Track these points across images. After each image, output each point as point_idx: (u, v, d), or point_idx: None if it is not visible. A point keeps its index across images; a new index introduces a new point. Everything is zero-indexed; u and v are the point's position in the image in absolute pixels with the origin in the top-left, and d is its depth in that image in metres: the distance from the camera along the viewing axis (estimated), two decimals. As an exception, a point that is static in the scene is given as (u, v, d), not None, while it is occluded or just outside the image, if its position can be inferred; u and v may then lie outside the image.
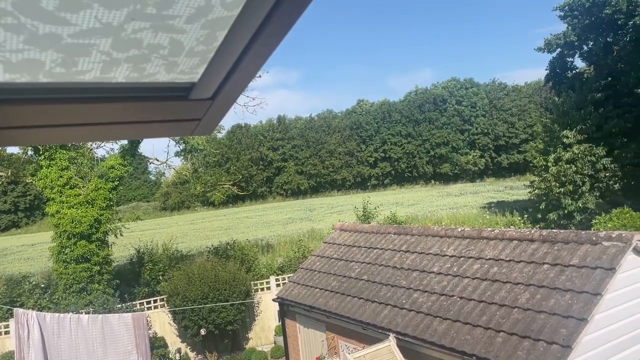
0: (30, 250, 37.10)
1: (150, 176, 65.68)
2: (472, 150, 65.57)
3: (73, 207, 15.38)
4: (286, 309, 11.09)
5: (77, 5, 0.55)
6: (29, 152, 17.27)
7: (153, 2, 0.58)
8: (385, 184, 66.62)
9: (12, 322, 13.98)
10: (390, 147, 65.96)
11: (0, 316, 15.33)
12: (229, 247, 18.86)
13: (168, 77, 0.76)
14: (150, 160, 20.02)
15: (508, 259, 7.83)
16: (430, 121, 65.60)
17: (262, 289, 16.34)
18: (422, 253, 9.26)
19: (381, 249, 10.15)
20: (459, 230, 9.19)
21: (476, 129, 65.08)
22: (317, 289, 10.20)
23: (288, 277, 15.07)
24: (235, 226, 39.38)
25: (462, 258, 8.50)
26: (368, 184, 66.72)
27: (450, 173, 65.11)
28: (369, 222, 19.49)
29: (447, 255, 8.77)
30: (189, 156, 20.82)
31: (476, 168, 65.17)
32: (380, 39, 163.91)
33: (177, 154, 20.62)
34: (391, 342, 7.65)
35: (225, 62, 0.74)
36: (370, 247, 10.44)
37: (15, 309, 10.14)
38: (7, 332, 14.38)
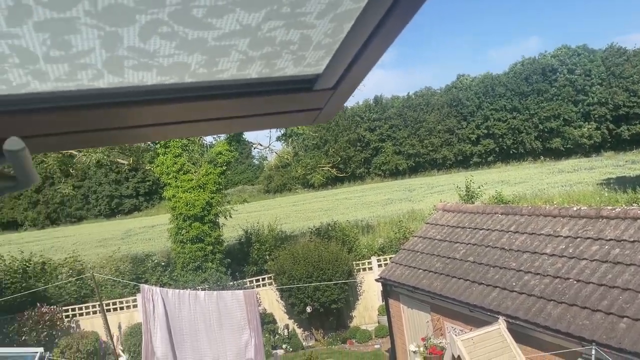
0: (151, 231, 40.49)
1: (254, 160, 68.59)
2: (587, 123, 60.43)
3: (187, 192, 16.54)
4: (389, 289, 11.13)
5: (222, 10, 0.59)
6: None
7: (288, 2, 0.61)
8: (489, 161, 63.74)
9: (139, 297, 15.49)
10: (493, 123, 62.84)
11: (128, 291, 17.03)
12: (330, 228, 19.23)
13: (295, 71, 0.79)
14: (254, 145, 20.88)
15: (632, 239, 7.18)
16: (538, 93, 61.34)
17: (364, 269, 16.52)
18: (533, 234, 8.79)
19: (488, 229, 9.79)
20: (575, 209, 8.58)
21: (592, 99, 59.79)
22: (421, 270, 10.10)
23: (389, 258, 15.08)
24: (334, 207, 40.02)
25: (578, 239, 7.94)
26: (470, 162, 64.26)
27: (562, 148, 60.65)
28: (473, 202, 18.83)
29: (562, 236, 8.24)
30: (290, 140, 21.40)
31: (591, 142, 60.06)
32: (480, 9, 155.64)
33: (278, 139, 21.31)
34: (501, 325, 7.39)
35: (349, 53, 0.75)
36: (476, 228, 10.10)
37: (141, 284, 11.17)
38: (135, 306, 15.96)
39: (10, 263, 17.29)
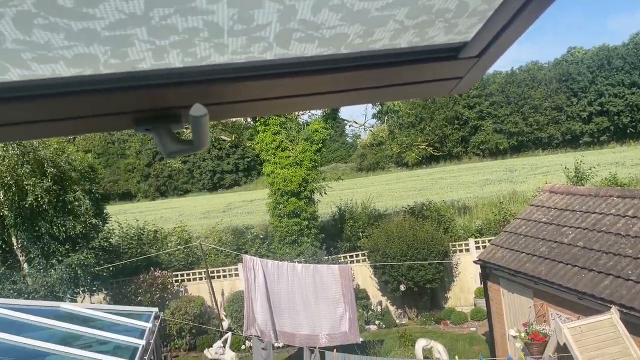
0: (250, 205, 42.35)
1: (347, 138, 68.88)
2: None
3: (284, 168, 17.05)
4: (488, 271, 10.78)
5: None
6: (248, 119, 19.48)
7: None
8: (602, 141, 58.72)
9: (240, 266, 16.38)
10: (608, 99, 57.58)
11: (230, 261, 18.05)
12: (424, 207, 18.92)
13: (445, 39, 0.79)
14: (350, 123, 20.94)
15: None
16: (662, 66, 55.19)
17: (460, 251, 16.12)
18: (654, 220, 8.04)
19: (601, 213, 9.09)
20: None
21: None
22: (524, 254, 9.65)
23: (488, 240, 14.57)
24: (429, 187, 39.21)
25: None
26: (580, 141, 59.62)
27: (692, 126, 54.27)
28: (582, 184, 17.54)
29: (689, 223, 7.46)
30: (385, 117, 21.18)
31: None
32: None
33: (374, 116, 21.17)
34: (613, 315, 6.90)
35: (500, 21, 0.74)
36: (587, 212, 9.43)
37: (243, 255, 11.81)
38: (236, 275, 16.90)
39: (127, 230, 19.00)
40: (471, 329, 14.53)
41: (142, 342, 7.60)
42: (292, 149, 17.53)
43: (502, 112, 61.68)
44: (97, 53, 0.63)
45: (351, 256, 16.61)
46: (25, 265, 14.22)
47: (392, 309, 16.02)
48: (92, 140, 56.69)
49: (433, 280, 14.69)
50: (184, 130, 0.83)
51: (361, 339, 10.69)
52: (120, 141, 62.32)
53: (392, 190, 40.36)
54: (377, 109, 20.47)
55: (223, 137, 20.25)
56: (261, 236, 19.36)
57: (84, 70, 0.67)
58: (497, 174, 42.18)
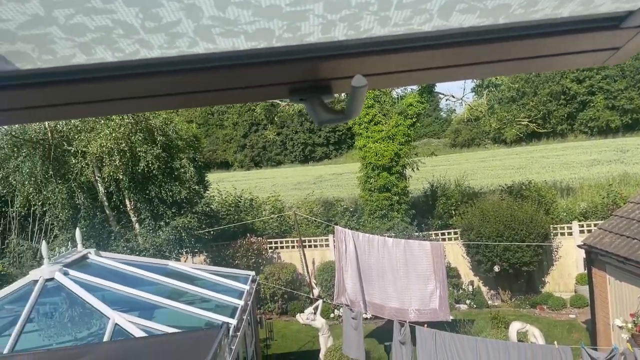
0: (339, 178, 42.76)
1: (442, 113, 66.81)
2: None
3: (377, 142, 16.97)
4: (594, 257, 10.11)
5: None
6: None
7: None
8: None
9: (330, 237, 16.72)
10: None
11: (320, 231, 18.48)
12: (523, 187, 18.03)
13: (612, 7, 0.75)
14: (447, 97, 20.29)
15: None
16: None
17: (562, 234, 15.23)
18: None
19: None
20: None
21: None
22: (636, 240, 8.93)
23: (594, 224, 13.63)
24: (529, 166, 37.16)
25: None
26: None
27: None
28: None
29: None
30: (485, 92, 20.26)
31: None
32: None
33: (473, 90, 20.32)
34: None
35: None
36: None
37: (335, 226, 12.03)
38: (327, 245, 17.29)
39: (225, 197, 20.05)
40: (570, 316, 13.79)
41: (241, 302, 8.07)
42: (385, 123, 17.37)
43: (616, 87, 56.39)
44: (275, 28, 0.69)
45: (442, 234, 16.32)
46: (137, 226, 15.54)
47: (484, 289, 15.60)
48: (194, 111, 59.90)
49: (530, 263, 14.06)
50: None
51: (451, 317, 10.56)
52: (219, 112, 65.23)
53: (488, 168, 38.76)
54: (477, 83, 19.61)
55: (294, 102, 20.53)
56: (351, 209, 19.56)
57: (259, 44, 0.72)
58: (607, 154, 38.96)
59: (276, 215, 18.97)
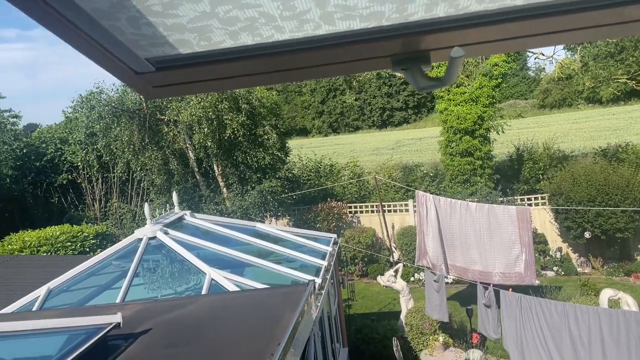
0: (419, 143, 42.03)
1: (530, 72, 63.02)
2: None
3: (459, 105, 16.50)
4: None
5: None
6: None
7: None
8: None
9: (411, 202, 16.70)
10: None
11: (399, 197, 18.47)
12: (620, 149, 16.86)
13: None
14: (535, 55, 19.17)
15: None
16: None
17: (663, 199, 14.17)
18: None
19: None
20: None
21: None
22: None
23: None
24: (627, 127, 34.42)
25: None
26: None
27: None
28: None
29: None
30: (579, 48, 18.90)
31: None
32: None
33: (565, 47, 19.01)
34: None
35: None
36: None
37: (416, 191, 12.01)
38: (406, 210, 17.31)
39: (306, 163, 20.52)
40: (669, 286, 12.98)
41: (325, 262, 8.40)
42: (468, 85, 16.80)
43: None
44: (385, 10, 0.81)
45: (529, 199, 15.76)
46: (225, 190, 16.40)
47: (573, 256, 14.99)
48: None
49: (625, 230, 13.28)
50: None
51: (537, 282, 10.33)
52: (318, 79, 65.73)
53: (581, 130, 36.40)
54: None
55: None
56: (431, 174, 19.32)
57: (370, 24, 0.85)
58: None
59: (355, 180, 19.19)
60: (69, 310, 6.30)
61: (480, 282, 9.23)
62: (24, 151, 20.48)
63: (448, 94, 16.61)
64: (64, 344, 4.17)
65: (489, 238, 10.29)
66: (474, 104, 16.35)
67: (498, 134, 17.47)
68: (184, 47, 0.85)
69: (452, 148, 16.71)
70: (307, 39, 0.86)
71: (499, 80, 16.48)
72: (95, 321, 4.44)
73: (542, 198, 15.38)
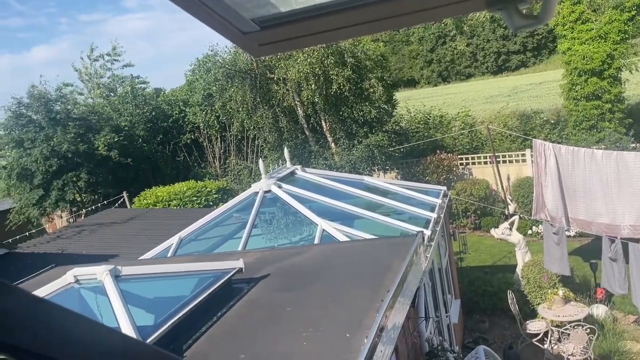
0: (538, 88, 39.03)
1: (673, -1, 54.85)
2: None
3: (584, 43, 15.00)
4: None
5: None
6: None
7: None
8: None
9: (528, 152, 15.76)
10: None
11: (516, 146, 17.49)
12: None
13: None
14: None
15: None
16: None
17: None
18: None
19: None
20: None
21: None
22: None
23: None
24: None
25: None
26: None
27: None
28: None
29: None
30: None
31: None
32: None
33: None
34: None
35: None
36: None
37: (534, 139, 11.29)
38: (523, 160, 16.38)
39: (414, 115, 20.10)
40: None
41: (434, 215, 8.35)
42: (596, 20, 15.13)
43: None
44: None
45: (668, 144, 14.12)
46: (333, 145, 16.71)
47: None
48: (379, 29, 59.35)
49: None
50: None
51: (675, 236, 9.37)
52: (409, 27, 63.65)
53: None
54: None
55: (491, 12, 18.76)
56: (552, 121, 17.98)
57: None
58: None
59: (467, 131, 18.46)
60: (198, 256, 6.99)
61: (607, 235, 8.60)
62: (153, 114, 22.42)
63: (572, 32, 15.13)
64: (196, 285, 4.68)
65: (618, 188, 9.45)
66: (603, 41, 14.76)
67: (631, 73, 15.69)
68: (284, 5, 0.92)
69: (577, 91, 15.36)
70: None
71: (633, 13, 14.62)
72: (221, 266, 4.91)
73: (685, 143, 13.70)
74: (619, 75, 15.16)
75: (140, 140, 21.44)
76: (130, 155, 19.73)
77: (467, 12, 1.10)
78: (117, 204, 17.69)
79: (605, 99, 14.89)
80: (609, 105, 14.91)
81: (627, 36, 15.02)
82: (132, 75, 25.13)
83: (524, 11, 0.96)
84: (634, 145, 14.10)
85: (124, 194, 17.82)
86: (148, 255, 7.53)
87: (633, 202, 9.25)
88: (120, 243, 11.06)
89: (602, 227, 9.48)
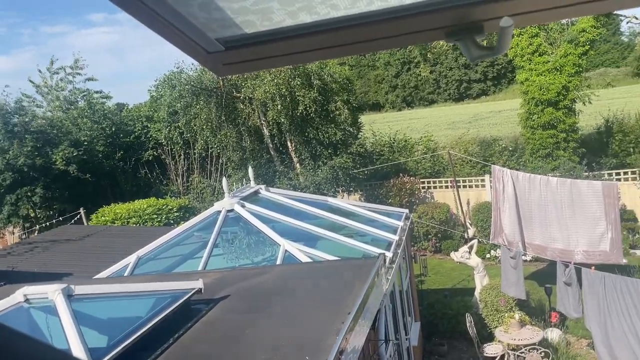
0: (498, 116, 40.33)
1: (622, 38, 58.06)
2: None
3: (541, 75, 15.63)
4: None
5: None
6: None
7: None
8: None
9: (487, 177, 16.18)
10: None
11: (476, 172, 17.94)
12: None
13: None
14: (628, 19, 17.65)
15: None
16: None
17: None
18: None
19: None
20: None
21: None
22: None
23: None
24: None
25: None
26: None
27: None
28: None
29: None
30: (680, 8, 17.15)
31: None
32: None
33: (663, 7, 17.31)
34: None
35: None
36: None
37: (492, 165, 11.62)
38: (482, 185, 16.81)
39: (379, 138, 20.40)
40: None
41: (396, 237, 8.43)
42: (552, 53, 15.84)
43: None
44: None
45: (617, 174, 14.77)
46: (298, 165, 16.74)
47: (670, 236, 13.96)
48: (346, 53, 60.33)
49: None
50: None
51: (625, 261, 9.75)
52: (372, 53, 64.94)
53: (681, 99, 33.24)
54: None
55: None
56: (510, 148, 18.56)
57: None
58: None
59: (429, 155, 18.85)
60: (156, 276, 6.81)
61: (561, 260, 8.87)
62: (113, 129, 21.96)
63: (530, 64, 15.77)
64: (152, 306, 4.55)
65: (571, 214, 9.80)
66: (558, 73, 15.43)
67: (584, 104, 16.42)
68: (249, 27, 0.93)
69: (534, 121, 15.93)
70: (362, 15, 0.91)
71: (587, 48, 15.39)
72: (180, 286, 4.79)
73: (633, 173, 14.36)
74: (573, 106, 15.83)
75: (100, 155, 20.93)
76: (89, 171, 19.21)
77: (427, 41, 1.14)
78: (73, 221, 17.12)
79: (560, 128, 15.50)
80: (564, 135, 15.53)
81: (581, 69, 15.76)
82: (89, 89, 24.70)
83: (481, 42, 1.00)
84: (586, 173, 14.69)
85: (81, 210, 17.29)
86: (103, 274, 7.29)
87: (586, 229, 9.60)
88: (74, 261, 10.67)
89: (556, 252, 9.77)
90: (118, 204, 16.60)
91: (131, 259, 7.47)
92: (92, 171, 19.52)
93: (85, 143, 20.13)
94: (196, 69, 17.33)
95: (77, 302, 4.17)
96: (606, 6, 0.94)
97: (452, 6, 0.90)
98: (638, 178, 14.05)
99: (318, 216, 9.21)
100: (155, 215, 15.60)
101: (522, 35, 15.69)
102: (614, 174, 14.75)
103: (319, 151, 16.11)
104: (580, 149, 15.87)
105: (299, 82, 14.96)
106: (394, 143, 19.86)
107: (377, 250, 7.23)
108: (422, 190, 17.44)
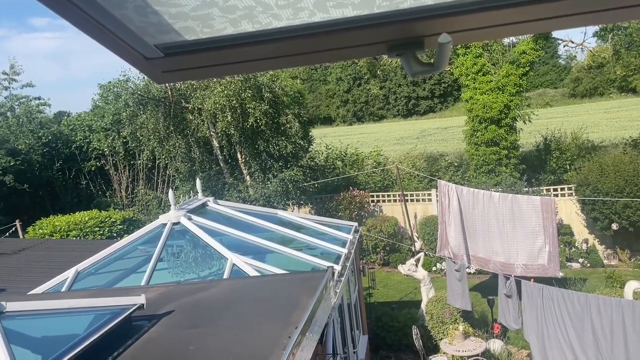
0: (444, 132, 41.60)
1: (560, 60, 61.46)
2: None
3: (485, 94, 16.25)
4: None
5: None
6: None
7: None
8: None
9: (433, 192, 16.60)
10: None
11: (423, 186, 18.37)
12: (652, 139, 16.42)
13: None
14: (564, 43, 18.71)
15: None
16: None
17: (696, 192, 13.76)
18: None
19: None
20: None
21: None
22: None
23: None
24: (662, 116, 33.40)
25: None
26: None
27: None
28: None
29: None
30: (610, 35, 18.37)
31: None
32: None
33: (595, 34, 18.51)
34: None
35: None
36: None
37: (439, 180, 11.94)
38: (429, 200, 17.21)
39: (330, 152, 20.55)
40: (699, 280, 12.63)
41: (345, 250, 8.46)
42: (495, 73, 16.53)
43: None
44: None
45: (555, 189, 15.50)
46: (248, 178, 16.58)
47: (599, 248, 14.72)
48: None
49: (654, 222, 12.98)
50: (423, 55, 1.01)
51: (561, 274, 10.20)
52: (323, 68, 65.67)
53: (612, 120, 35.49)
54: (600, 26, 17.81)
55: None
56: (455, 164, 19.15)
57: (363, 12, 0.89)
58: None
59: (379, 169, 19.15)
60: (96, 291, 6.51)
61: (502, 273, 9.17)
62: (50, 138, 21.03)
63: (474, 83, 16.37)
64: (91, 322, 4.34)
65: (512, 229, 10.19)
66: (500, 92, 16.09)
67: (525, 123, 17.17)
68: (189, 34, 0.90)
69: (478, 137, 16.50)
70: (303, 26, 0.91)
71: (527, 69, 16.17)
72: (121, 302, 4.60)
73: (569, 189, 15.12)
74: (514, 124, 16.53)
75: (37, 165, 19.96)
76: (27, 181, 18.27)
77: (370, 55, 1.15)
78: (8, 234, 16.19)
79: (502, 145, 16.14)
80: (506, 152, 16.17)
81: (521, 89, 16.51)
82: (27, 96, 23.60)
83: (421, 58, 1.01)
84: (527, 189, 15.34)
85: (17, 222, 16.38)
86: (39, 289, 6.91)
87: (526, 243, 9.99)
88: (7, 276, 10.06)
89: (498, 265, 10.11)
90: (57, 215, 15.85)
91: (69, 273, 7.13)
92: (30, 182, 18.58)
93: (23, 152, 19.16)
94: (143, 77, 16.93)
95: (9, 320, 3.93)
96: (540, 27, 0.98)
97: (394, 21, 0.91)
98: (574, 194, 14.79)
99: (267, 229, 9.13)
100: (97, 228, 15.00)
101: (467, 55, 16.30)
102: (552, 190, 15.47)
103: (269, 164, 16.03)
104: (521, 165, 16.56)
105: (249, 94, 14.88)
106: (345, 157, 20.06)
107: (326, 264, 7.21)
108: (372, 204, 17.66)
